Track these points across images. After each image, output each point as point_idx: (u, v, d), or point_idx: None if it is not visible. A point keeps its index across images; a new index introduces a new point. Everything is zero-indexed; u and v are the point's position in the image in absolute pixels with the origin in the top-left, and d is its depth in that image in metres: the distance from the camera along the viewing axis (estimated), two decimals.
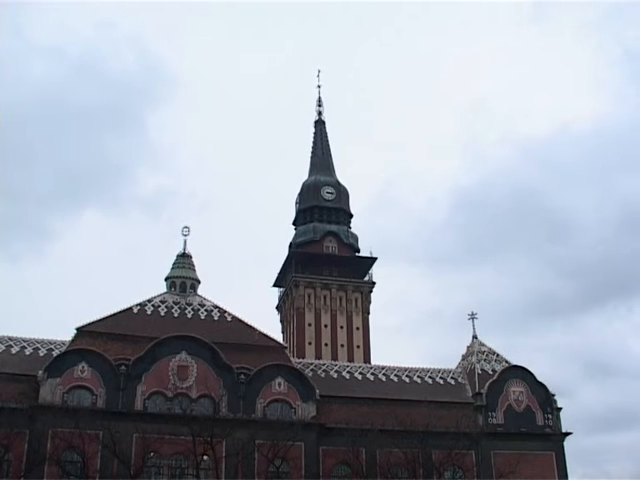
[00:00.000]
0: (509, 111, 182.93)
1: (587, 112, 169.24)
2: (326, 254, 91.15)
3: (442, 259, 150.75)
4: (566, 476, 60.87)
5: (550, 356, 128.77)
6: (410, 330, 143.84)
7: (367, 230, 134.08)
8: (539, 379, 64.62)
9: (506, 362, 66.38)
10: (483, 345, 69.07)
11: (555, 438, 62.11)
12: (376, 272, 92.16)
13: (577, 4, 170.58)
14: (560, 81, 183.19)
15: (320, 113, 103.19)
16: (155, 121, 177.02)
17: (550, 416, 63.11)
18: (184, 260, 68.54)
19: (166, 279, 67.67)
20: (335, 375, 64.62)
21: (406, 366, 67.81)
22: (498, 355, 67.68)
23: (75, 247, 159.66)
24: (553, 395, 64.14)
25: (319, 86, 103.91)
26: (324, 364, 67.82)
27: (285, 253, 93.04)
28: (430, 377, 66.39)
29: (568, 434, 62.74)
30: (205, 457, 49.53)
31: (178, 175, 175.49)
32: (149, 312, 62.51)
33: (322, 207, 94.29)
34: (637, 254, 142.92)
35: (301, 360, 69.60)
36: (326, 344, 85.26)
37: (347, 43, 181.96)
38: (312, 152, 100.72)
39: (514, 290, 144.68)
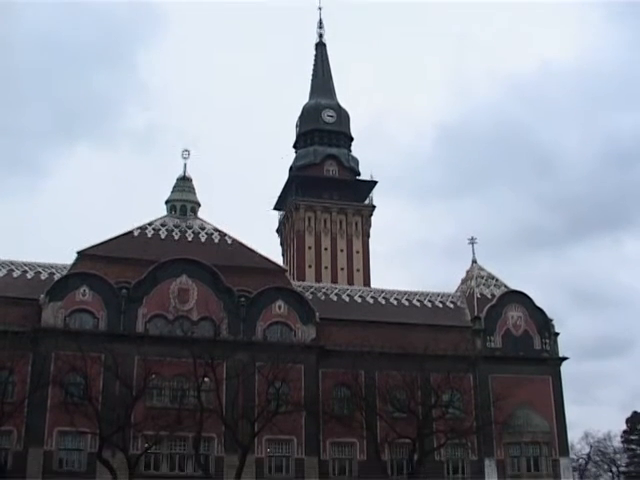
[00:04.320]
0: (494, 48, 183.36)
1: (571, 50, 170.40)
2: (326, 177, 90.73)
3: (429, 192, 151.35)
4: (562, 400, 61.74)
5: (538, 286, 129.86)
6: (400, 258, 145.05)
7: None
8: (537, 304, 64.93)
9: (505, 287, 66.42)
10: (482, 270, 68.93)
11: (552, 362, 62.64)
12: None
13: None
14: (544, 20, 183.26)
15: (321, 35, 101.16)
16: (146, 55, 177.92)
17: (547, 341, 63.55)
18: (184, 183, 68.00)
19: (166, 202, 67.24)
20: (335, 298, 64.79)
21: (405, 289, 67.90)
22: (497, 280, 67.66)
23: (70, 181, 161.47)
24: (551, 320, 64.45)
25: (320, 8, 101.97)
26: (324, 287, 68.06)
27: (286, 176, 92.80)
28: (429, 301, 66.46)
29: (565, 359, 63.38)
30: (206, 379, 49.89)
31: (175, 101, 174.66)
32: (149, 235, 62.29)
33: (322, 130, 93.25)
34: (621, 187, 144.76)
35: (301, 283, 69.99)
36: (326, 267, 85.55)
37: None
38: (313, 75, 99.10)
39: (501, 222, 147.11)
